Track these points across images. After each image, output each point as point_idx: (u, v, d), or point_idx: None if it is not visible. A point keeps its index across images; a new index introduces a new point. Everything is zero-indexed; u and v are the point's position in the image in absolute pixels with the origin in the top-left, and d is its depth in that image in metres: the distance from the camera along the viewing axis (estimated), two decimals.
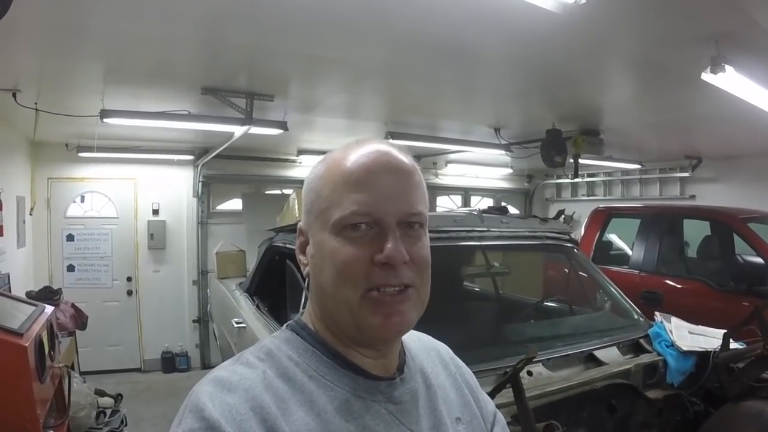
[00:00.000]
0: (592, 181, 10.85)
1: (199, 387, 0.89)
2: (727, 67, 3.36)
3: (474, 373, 1.27)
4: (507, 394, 2.18)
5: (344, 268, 0.94)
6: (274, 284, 4.36)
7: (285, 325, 1.08)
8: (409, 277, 0.96)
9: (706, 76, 3.46)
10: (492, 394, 2.02)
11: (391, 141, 1.07)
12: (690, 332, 3.12)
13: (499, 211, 4.02)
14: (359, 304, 0.94)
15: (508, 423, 1.27)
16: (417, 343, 1.18)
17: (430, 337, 1.25)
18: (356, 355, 1.00)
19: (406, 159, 1.01)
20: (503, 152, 7.54)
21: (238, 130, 5.61)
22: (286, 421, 0.86)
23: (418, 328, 1.17)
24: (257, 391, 0.88)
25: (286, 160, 9.10)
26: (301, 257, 1.08)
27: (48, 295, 5.62)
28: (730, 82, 3.61)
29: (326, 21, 3.29)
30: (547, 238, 3.73)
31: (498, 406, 1.26)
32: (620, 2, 2.91)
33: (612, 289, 3.78)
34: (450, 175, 10.67)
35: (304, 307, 1.18)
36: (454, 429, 1.07)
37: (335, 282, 0.95)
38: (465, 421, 1.11)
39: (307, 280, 1.06)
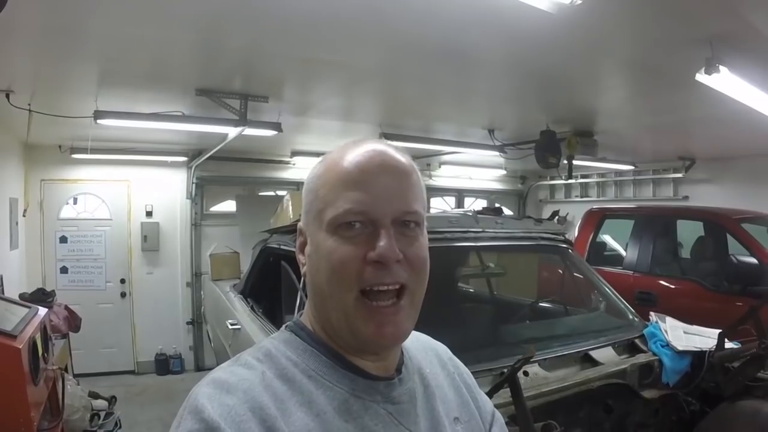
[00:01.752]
0: (586, 183, 10.88)
1: (198, 388, 0.89)
2: (721, 67, 3.37)
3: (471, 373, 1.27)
4: (505, 395, 2.18)
5: (338, 267, 0.94)
6: (269, 286, 4.35)
7: (284, 326, 1.08)
8: (402, 277, 0.95)
9: (701, 77, 3.47)
10: (490, 395, 2.02)
11: (388, 141, 1.07)
12: (685, 332, 3.14)
13: (494, 212, 4.03)
14: (354, 308, 0.94)
15: (506, 423, 1.27)
16: (415, 343, 1.17)
17: (428, 337, 1.25)
18: (354, 356, 1.00)
19: (402, 158, 1.02)
20: (497, 153, 7.54)
21: (232, 132, 5.59)
22: (286, 422, 0.86)
23: (414, 329, 1.17)
24: (256, 392, 0.87)
25: (280, 162, 9.08)
26: (300, 257, 1.07)
27: (41, 297, 5.61)
28: (724, 83, 3.62)
29: (321, 23, 3.28)
30: (542, 238, 3.74)
31: (496, 407, 1.26)
32: (616, 4, 2.91)
33: (607, 289, 3.79)
34: (444, 176, 10.69)
35: (299, 309, 1.17)
36: (453, 429, 1.07)
37: (330, 281, 0.95)
38: (463, 421, 1.11)
39: (303, 279, 1.06)
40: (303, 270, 1.06)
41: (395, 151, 1.02)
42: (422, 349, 1.18)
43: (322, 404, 0.91)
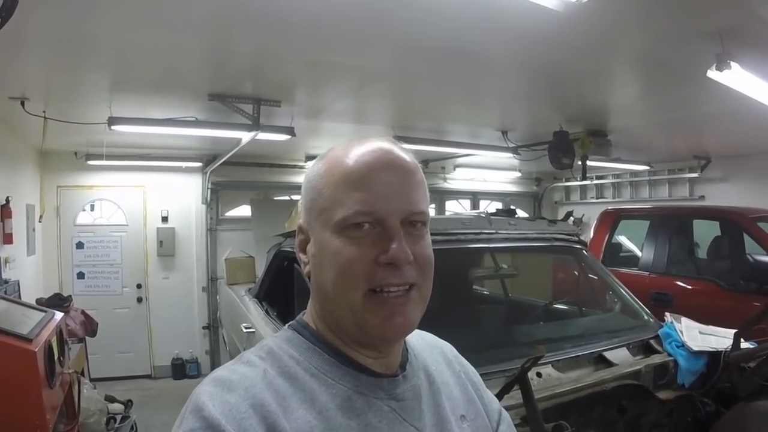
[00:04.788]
0: (601, 184, 10.84)
1: (200, 387, 0.89)
2: (732, 63, 3.34)
3: (483, 374, 1.27)
4: (516, 396, 2.17)
5: (347, 269, 0.93)
6: (283, 289, 4.36)
7: (287, 324, 1.08)
8: (412, 277, 0.95)
9: (712, 74, 3.44)
10: (500, 395, 2.01)
11: (392, 139, 1.05)
12: (700, 332, 3.10)
13: (507, 213, 4.01)
14: (362, 305, 0.93)
15: (517, 425, 1.26)
16: (420, 341, 1.17)
17: (433, 336, 1.24)
18: (357, 353, 1.00)
19: (408, 157, 1.00)
20: (511, 155, 7.51)
21: (245, 136, 5.62)
22: (287, 419, 0.86)
23: (427, 330, 1.16)
24: (257, 390, 0.87)
25: (294, 166, 9.12)
26: (301, 256, 1.07)
27: (58, 302, 5.65)
28: (735, 79, 3.58)
29: (332, 26, 3.29)
30: (556, 239, 3.72)
31: (507, 408, 1.25)
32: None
33: (621, 289, 3.76)
34: (458, 179, 10.68)
35: None
36: (459, 426, 1.06)
37: (337, 282, 0.94)
38: (469, 419, 1.10)
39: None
40: (306, 269, 1.05)
41: (399, 149, 1.01)
42: (427, 347, 1.18)
43: (324, 401, 0.91)
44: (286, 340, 1.01)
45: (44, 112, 4.95)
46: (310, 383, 0.93)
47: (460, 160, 9.37)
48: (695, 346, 2.92)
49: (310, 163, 8.05)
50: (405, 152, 1.01)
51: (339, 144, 1.04)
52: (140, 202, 8.33)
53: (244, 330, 4.26)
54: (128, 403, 5.21)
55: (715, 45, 3.32)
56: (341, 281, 0.94)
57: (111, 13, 2.99)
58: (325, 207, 0.97)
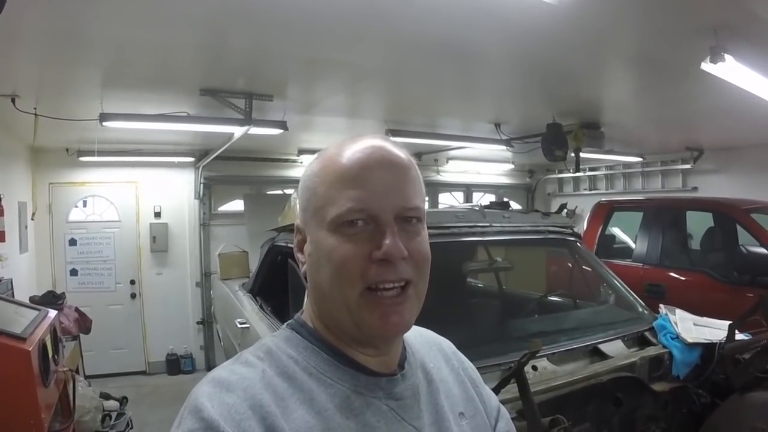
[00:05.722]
0: (594, 175, 10.84)
1: (199, 388, 0.89)
2: (726, 56, 3.34)
3: (479, 368, 1.26)
4: (512, 390, 2.17)
5: (342, 266, 0.93)
6: (277, 284, 4.35)
7: (285, 323, 1.08)
8: (407, 273, 0.94)
9: (706, 66, 3.44)
10: (497, 389, 2.02)
11: (386, 137, 1.05)
12: (695, 324, 3.11)
13: (501, 206, 4.01)
14: (357, 304, 0.93)
15: (513, 419, 1.26)
16: (418, 338, 1.17)
17: (431, 332, 1.24)
18: (356, 353, 1.00)
19: (401, 154, 1.00)
20: (504, 148, 7.51)
21: (237, 131, 5.60)
22: (286, 420, 0.85)
23: (421, 325, 1.16)
24: (256, 390, 0.87)
25: (287, 161, 9.10)
26: (299, 255, 1.07)
27: (51, 299, 5.63)
28: (729, 72, 3.59)
29: (324, 22, 3.27)
30: (550, 232, 3.72)
31: (503, 402, 1.25)
32: None
33: (616, 282, 3.77)
34: (451, 171, 10.65)
35: None
36: (457, 424, 1.06)
37: (333, 280, 0.94)
38: (468, 416, 1.10)
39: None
40: (303, 268, 1.05)
41: (393, 146, 1.01)
42: (425, 344, 1.18)
43: (323, 401, 0.91)
44: (285, 340, 1.01)
45: (35, 109, 4.92)
46: (308, 383, 0.93)
47: (453, 153, 9.36)
48: (690, 338, 2.93)
49: (302, 157, 8.10)
50: (399, 149, 1.01)
51: (334, 142, 1.03)
52: (133, 198, 8.30)
53: (239, 325, 4.26)
54: (123, 400, 5.19)
55: (708, 39, 3.32)
56: (337, 280, 0.94)
57: (104, 8, 2.97)
58: (319, 206, 0.97)
